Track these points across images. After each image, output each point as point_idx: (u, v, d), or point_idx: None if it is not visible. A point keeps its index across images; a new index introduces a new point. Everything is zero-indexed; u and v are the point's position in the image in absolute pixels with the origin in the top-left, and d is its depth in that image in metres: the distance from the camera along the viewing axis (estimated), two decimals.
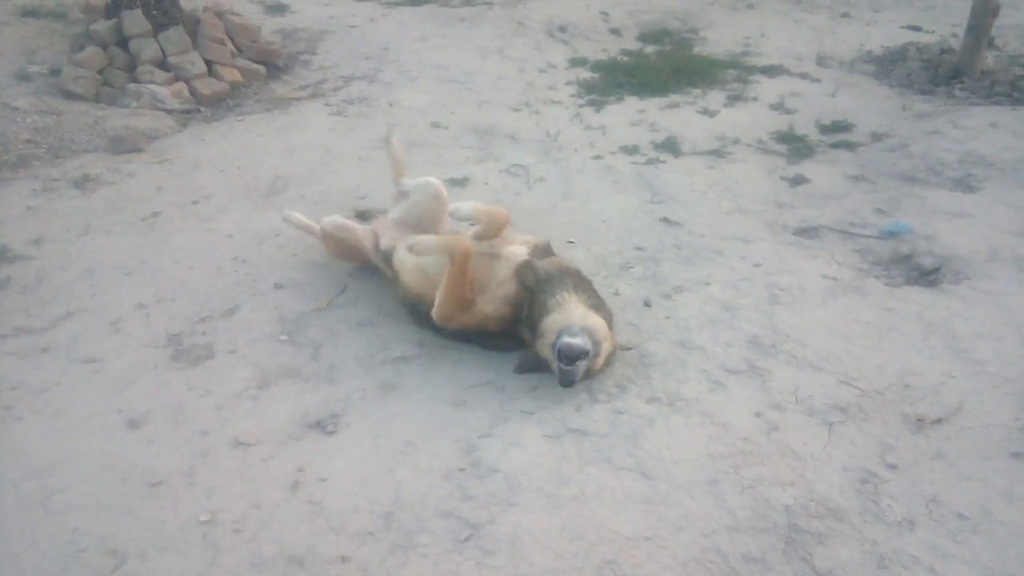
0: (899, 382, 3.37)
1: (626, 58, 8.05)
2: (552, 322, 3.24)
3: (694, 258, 4.34)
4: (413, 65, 7.49)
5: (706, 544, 2.61)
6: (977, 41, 7.14)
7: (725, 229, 4.67)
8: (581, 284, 3.41)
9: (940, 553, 2.58)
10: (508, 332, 3.48)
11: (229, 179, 5.20)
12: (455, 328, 3.47)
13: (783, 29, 9.13)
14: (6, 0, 7.56)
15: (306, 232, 4.33)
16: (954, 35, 8.46)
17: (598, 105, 6.78)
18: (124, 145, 5.55)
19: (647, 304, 3.91)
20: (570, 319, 3.20)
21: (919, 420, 3.15)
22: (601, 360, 3.26)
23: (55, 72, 6.56)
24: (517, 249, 3.50)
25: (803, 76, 7.63)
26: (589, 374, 3.27)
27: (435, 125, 6.26)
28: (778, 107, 6.80)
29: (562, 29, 8.72)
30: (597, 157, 5.71)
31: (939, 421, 3.15)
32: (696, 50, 8.35)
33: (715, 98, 7.00)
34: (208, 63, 6.88)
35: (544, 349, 3.23)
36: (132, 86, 6.44)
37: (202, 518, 2.70)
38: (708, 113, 6.66)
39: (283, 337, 3.69)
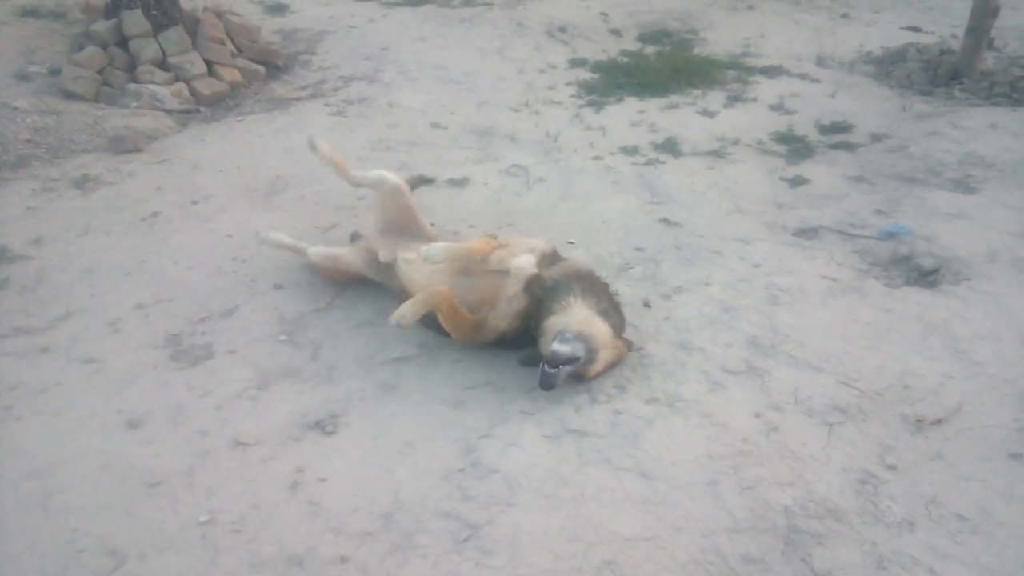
0: (898, 383, 3.37)
1: (626, 59, 8.05)
2: (552, 324, 3.26)
3: (694, 259, 4.34)
4: (413, 65, 7.48)
5: (705, 545, 2.61)
6: (977, 42, 7.15)
7: (725, 230, 4.68)
8: (590, 289, 3.39)
9: (939, 554, 2.58)
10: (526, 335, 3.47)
11: (229, 179, 5.20)
12: (472, 344, 3.49)
13: (783, 30, 9.13)
14: (6, 0, 7.55)
15: (292, 252, 4.15)
16: (954, 36, 8.47)
17: (598, 106, 6.79)
18: (124, 145, 5.55)
19: (647, 305, 3.91)
20: (568, 323, 3.21)
21: (918, 421, 3.15)
22: (598, 367, 3.26)
23: (55, 72, 6.55)
24: (524, 262, 3.39)
25: (803, 77, 7.63)
26: (583, 380, 3.28)
27: (435, 125, 6.26)
28: (778, 108, 6.80)
29: (562, 30, 8.72)
30: (597, 158, 5.71)
31: (938, 422, 3.15)
32: (696, 51, 8.35)
33: (715, 99, 7.00)
34: (208, 63, 6.88)
35: (543, 348, 3.25)
36: (132, 86, 6.44)
37: (201, 518, 2.70)
38: (708, 114, 6.66)
39: (282, 337, 3.69)
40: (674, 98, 6.99)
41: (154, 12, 6.73)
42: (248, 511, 2.74)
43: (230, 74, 6.93)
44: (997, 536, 2.65)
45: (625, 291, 4.01)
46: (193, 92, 6.66)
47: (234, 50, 7.20)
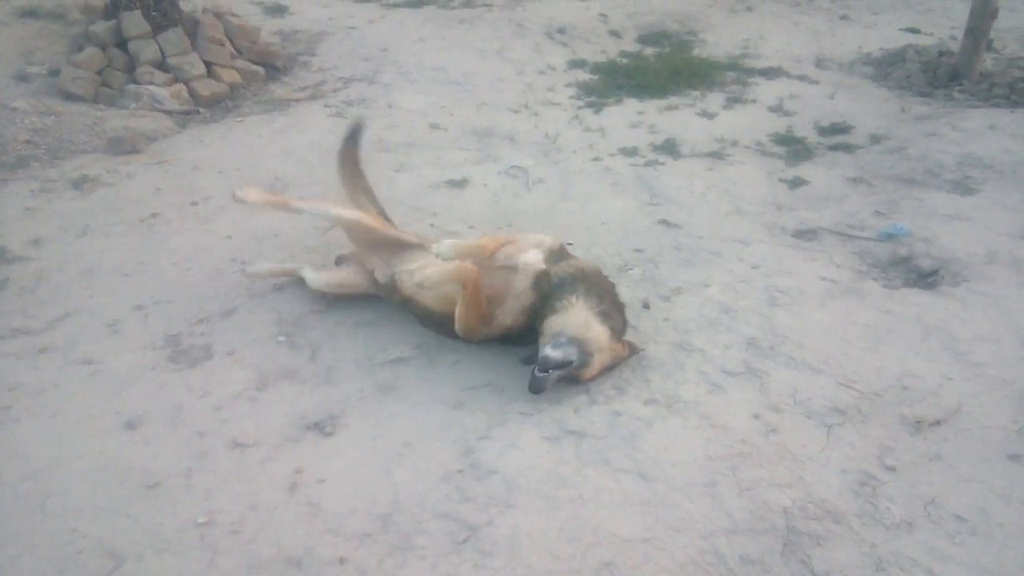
0: (897, 384, 3.37)
1: (625, 60, 8.06)
2: (551, 324, 3.26)
3: (693, 260, 4.34)
4: (412, 67, 7.49)
5: (704, 546, 2.61)
6: (976, 43, 7.15)
7: (724, 231, 4.68)
8: (593, 289, 3.39)
9: (938, 555, 2.58)
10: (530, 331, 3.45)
11: (228, 180, 5.19)
12: (479, 340, 3.48)
13: (782, 31, 9.14)
14: (5, 1, 7.55)
15: (282, 277, 4.09)
16: (953, 38, 8.48)
17: (597, 107, 6.79)
18: (123, 146, 5.55)
19: (646, 306, 3.91)
20: (565, 325, 3.22)
21: (917, 422, 3.15)
22: (593, 370, 3.26)
23: (54, 73, 6.55)
24: (532, 258, 3.38)
25: (802, 78, 7.64)
26: (578, 382, 3.28)
27: (434, 127, 6.26)
28: (777, 109, 6.80)
29: (561, 31, 8.72)
30: (596, 159, 5.71)
31: (937, 423, 3.15)
32: (695, 52, 8.36)
33: (714, 100, 7.00)
34: (207, 64, 6.88)
35: (541, 349, 3.24)
36: (131, 87, 6.44)
37: (200, 520, 2.70)
38: (707, 115, 6.66)
39: (281, 338, 3.69)
40: (673, 99, 6.99)
41: (153, 13, 6.73)
42: (247, 512, 2.73)
43: (229, 75, 6.93)
44: (996, 537, 2.65)
45: (624, 292, 3.99)
46: (192, 93, 6.66)
47: (233, 51, 7.20)
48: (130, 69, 6.64)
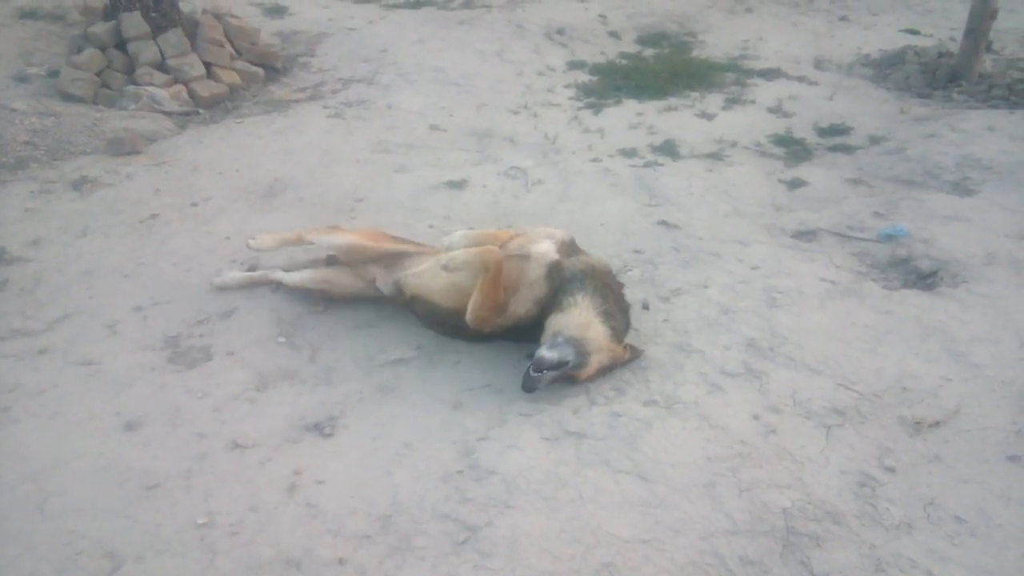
0: (897, 385, 3.37)
1: (624, 61, 8.06)
2: (553, 321, 3.28)
3: (692, 261, 4.35)
4: (412, 68, 7.49)
5: (704, 547, 2.61)
6: (975, 45, 7.16)
7: (723, 232, 4.68)
8: (600, 288, 3.39)
9: (938, 556, 2.58)
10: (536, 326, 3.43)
11: (227, 181, 5.20)
12: (489, 330, 3.44)
13: (781, 32, 9.15)
14: (5, 2, 7.55)
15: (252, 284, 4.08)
16: (952, 39, 8.48)
17: (596, 108, 6.79)
18: (122, 147, 5.55)
19: (645, 307, 3.91)
20: (565, 325, 3.23)
21: (917, 423, 3.15)
22: (591, 371, 3.27)
23: (53, 74, 6.55)
24: (545, 248, 3.43)
25: (801, 79, 7.64)
26: (575, 382, 3.29)
27: (433, 127, 6.26)
28: (776, 110, 6.81)
29: (560, 32, 8.73)
30: (595, 160, 5.71)
31: (937, 424, 3.15)
32: (694, 53, 8.36)
33: (713, 101, 7.01)
34: (207, 65, 6.88)
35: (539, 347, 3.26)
36: (131, 88, 6.44)
37: (199, 521, 2.70)
38: (706, 116, 6.67)
39: (281, 339, 3.69)
40: (672, 100, 7.00)
41: (153, 14, 6.73)
42: (246, 513, 2.73)
43: (229, 76, 6.94)
44: (995, 538, 2.65)
45: (623, 293, 4.01)
46: (192, 94, 6.66)
47: (233, 52, 7.20)
48: (129, 70, 6.65)
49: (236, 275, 4.07)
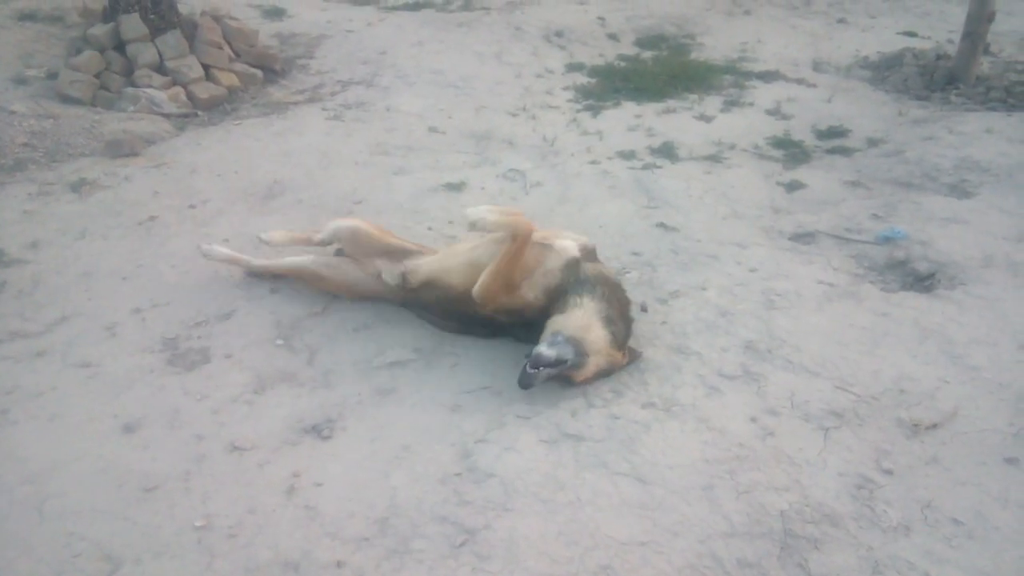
0: (894, 387, 3.38)
1: (623, 63, 8.07)
2: (554, 321, 3.30)
3: (690, 263, 4.35)
4: (410, 70, 7.50)
5: (701, 549, 2.61)
6: (973, 47, 7.17)
7: (721, 234, 4.68)
8: (606, 296, 3.39)
9: (935, 558, 2.58)
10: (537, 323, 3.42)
11: (226, 183, 5.20)
12: (493, 309, 3.43)
13: (779, 35, 9.16)
14: (4, 4, 7.56)
15: (237, 263, 4.10)
16: (950, 41, 8.50)
17: (595, 110, 6.80)
18: (121, 149, 5.55)
19: (643, 309, 3.91)
20: (565, 324, 3.24)
21: (914, 425, 3.15)
22: (588, 372, 3.27)
23: (52, 76, 6.56)
24: (568, 244, 3.49)
25: (799, 82, 7.65)
26: (571, 383, 3.29)
27: (432, 130, 6.27)
28: (774, 112, 6.82)
29: (559, 34, 8.74)
30: (594, 162, 5.72)
31: (934, 426, 3.15)
32: (693, 55, 8.37)
33: (712, 103, 7.02)
34: (205, 67, 6.89)
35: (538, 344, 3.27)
36: (129, 90, 6.44)
37: (197, 523, 2.70)
38: (705, 118, 6.68)
39: (279, 342, 3.69)
40: (671, 103, 7.01)
41: (152, 16, 6.74)
42: (244, 516, 2.73)
43: (227, 78, 6.94)
44: (993, 540, 2.65)
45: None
46: (190, 96, 6.66)
47: (232, 54, 7.21)
48: (128, 72, 6.65)
49: (224, 250, 4.07)
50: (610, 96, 7.14)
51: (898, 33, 9.29)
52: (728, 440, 3.07)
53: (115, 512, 2.74)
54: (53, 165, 5.39)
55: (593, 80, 7.58)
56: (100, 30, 6.62)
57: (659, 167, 5.65)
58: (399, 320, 3.82)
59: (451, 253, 3.65)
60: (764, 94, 7.23)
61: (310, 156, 5.66)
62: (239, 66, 7.15)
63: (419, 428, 3.15)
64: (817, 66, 8.21)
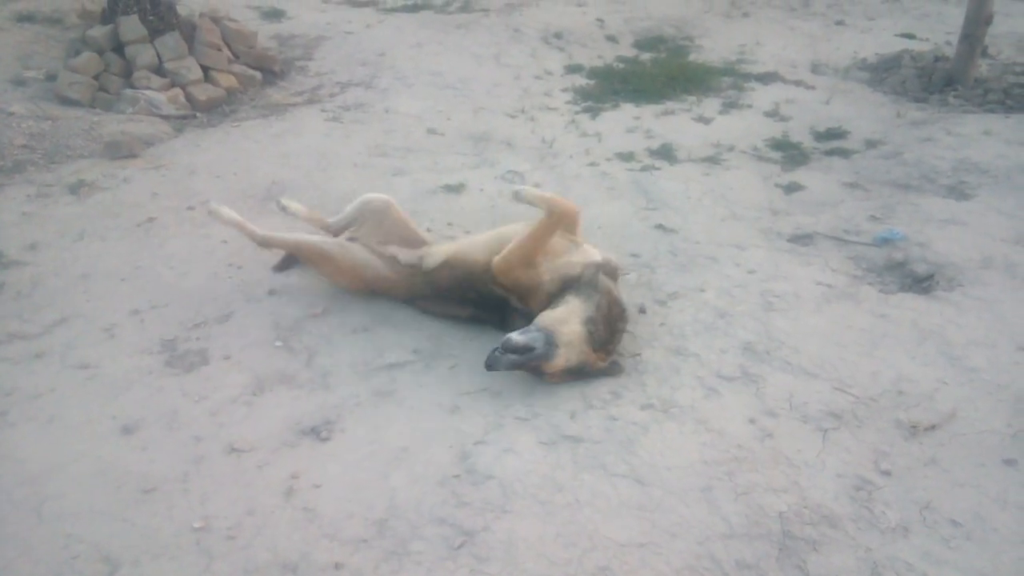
0: (893, 389, 3.38)
1: (622, 65, 8.08)
2: (538, 317, 3.37)
3: (689, 265, 4.35)
4: (409, 71, 7.50)
5: (700, 551, 2.61)
6: (971, 49, 7.18)
7: (720, 236, 4.69)
8: (600, 307, 3.39)
9: (934, 560, 2.58)
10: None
11: (225, 185, 5.20)
12: (508, 284, 3.53)
13: (778, 37, 9.17)
14: (2, 5, 7.56)
15: (239, 228, 4.04)
16: (948, 43, 8.51)
17: (594, 112, 6.81)
18: (120, 151, 5.55)
19: (642, 311, 3.91)
20: (544, 317, 3.34)
21: (913, 427, 3.16)
22: (558, 364, 3.27)
23: (51, 77, 6.56)
24: (594, 250, 3.66)
25: (798, 83, 7.66)
26: (541, 375, 3.31)
27: (431, 131, 6.27)
28: (773, 114, 6.82)
29: (558, 36, 8.75)
30: (592, 164, 5.72)
31: (933, 428, 3.15)
32: (691, 57, 8.38)
33: (710, 105, 7.02)
34: (204, 69, 6.89)
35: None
36: (128, 92, 6.44)
37: (196, 525, 2.70)
38: (703, 120, 6.68)
39: (278, 343, 3.69)
40: (670, 104, 7.01)
41: (151, 18, 6.74)
42: (243, 517, 2.73)
43: (226, 80, 6.94)
44: (991, 542, 2.66)
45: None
46: (189, 98, 6.66)
47: (230, 56, 7.21)
48: (127, 74, 6.65)
49: (231, 213, 4.04)
50: (609, 98, 7.15)
51: (896, 35, 9.30)
52: (726, 441, 3.07)
53: (114, 513, 2.74)
54: (52, 167, 5.38)
55: (592, 82, 7.58)
56: (99, 32, 6.62)
57: (658, 169, 5.66)
58: (398, 322, 3.82)
59: (473, 238, 3.82)
60: (762, 96, 7.24)
61: (309, 157, 5.66)
62: (238, 68, 7.15)
63: (418, 430, 3.15)
64: (815, 68, 8.22)
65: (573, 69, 7.91)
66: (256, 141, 5.94)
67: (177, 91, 6.63)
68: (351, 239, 4.02)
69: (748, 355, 3.58)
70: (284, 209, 4.17)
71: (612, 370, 3.43)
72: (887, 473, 2.93)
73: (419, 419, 3.21)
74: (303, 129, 6.18)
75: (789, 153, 6.02)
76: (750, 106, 7.00)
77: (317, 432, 3.13)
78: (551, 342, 3.24)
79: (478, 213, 4.93)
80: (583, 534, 2.66)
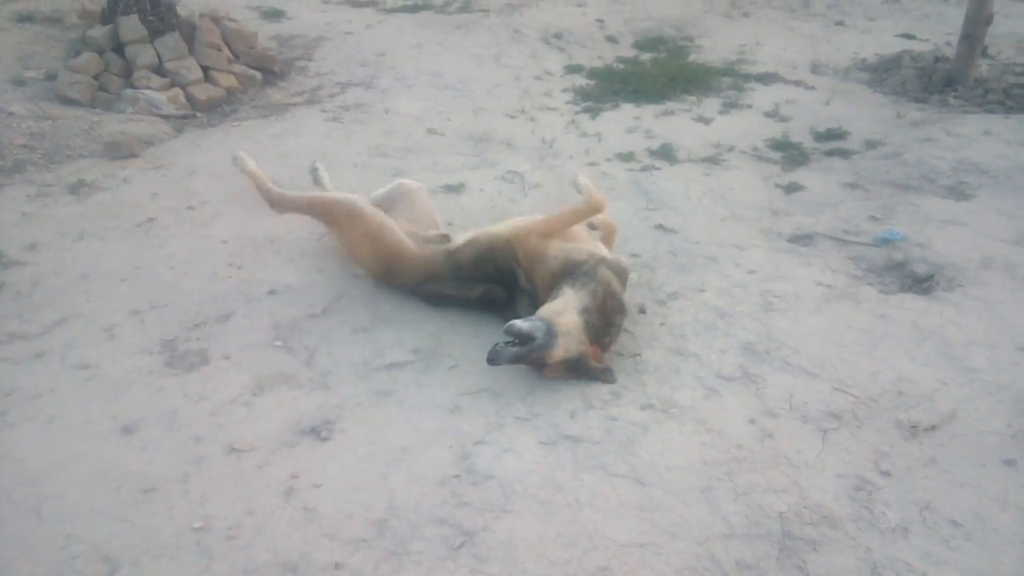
0: (893, 389, 3.38)
1: (622, 65, 8.08)
2: (540, 310, 3.42)
3: (689, 265, 4.35)
4: (409, 72, 7.50)
5: (700, 551, 2.61)
6: (971, 49, 7.19)
7: (720, 236, 4.69)
8: (596, 300, 3.41)
9: (934, 560, 2.58)
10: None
11: (225, 185, 5.19)
12: (522, 253, 3.67)
13: (778, 37, 9.17)
14: (2, 5, 7.56)
15: (257, 182, 4.36)
16: (948, 43, 8.52)
17: (594, 112, 6.81)
18: (119, 151, 5.54)
19: (642, 311, 3.91)
20: (543, 309, 3.39)
21: (913, 427, 3.16)
22: (557, 354, 3.28)
23: (51, 77, 6.55)
24: (603, 247, 3.80)
25: (798, 84, 7.66)
26: (538, 364, 3.32)
27: (431, 132, 6.27)
28: (773, 115, 6.82)
29: (558, 36, 8.75)
30: (592, 164, 5.72)
31: (933, 428, 3.15)
32: (691, 58, 8.38)
33: (710, 105, 7.02)
34: (204, 69, 6.89)
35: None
36: (128, 92, 6.44)
37: (196, 525, 2.70)
38: (703, 120, 6.68)
39: (278, 343, 3.69)
40: (670, 105, 7.02)
41: (151, 18, 6.73)
42: (243, 517, 2.73)
43: (226, 80, 6.94)
44: (991, 542, 2.66)
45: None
46: (189, 98, 6.66)
47: (231, 56, 7.21)
48: (127, 74, 6.64)
49: (253, 165, 4.35)
50: (609, 98, 7.15)
51: (896, 35, 9.30)
52: (726, 442, 3.08)
53: (113, 514, 2.74)
54: (52, 167, 5.38)
55: (592, 82, 7.58)
56: (99, 32, 6.62)
57: (658, 169, 5.66)
58: (398, 322, 3.82)
59: (497, 224, 3.92)
60: (762, 96, 7.24)
61: (309, 158, 5.62)
62: (238, 68, 7.15)
63: (418, 430, 3.15)
64: (815, 68, 8.22)
65: (573, 69, 7.91)
66: (256, 141, 5.93)
67: (177, 91, 6.62)
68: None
69: (748, 355, 3.59)
70: (316, 173, 4.31)
71: (606, 376, 3.42)
72: (887, 473, 2.94)
73: (419, 419, 3.21)
74: (303, 129, 6.18)
75: (789, 153, 6.03)
76: (750, 106, 7.00)
77: (317, 432, 3.13)
78: (551, 332, 3.27)
79: (478, 213, 4.93)
80: (583, 534, 2.66)
